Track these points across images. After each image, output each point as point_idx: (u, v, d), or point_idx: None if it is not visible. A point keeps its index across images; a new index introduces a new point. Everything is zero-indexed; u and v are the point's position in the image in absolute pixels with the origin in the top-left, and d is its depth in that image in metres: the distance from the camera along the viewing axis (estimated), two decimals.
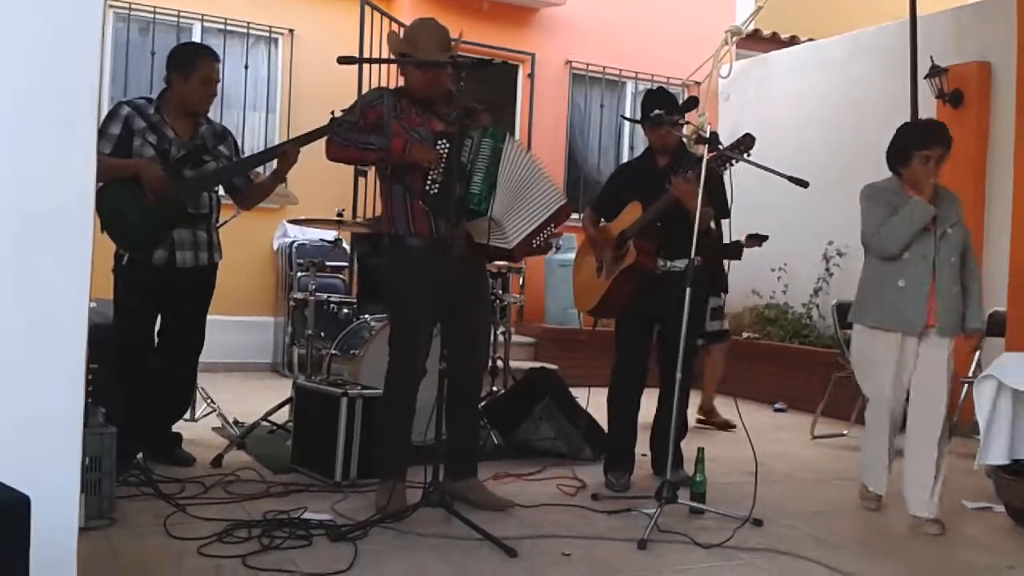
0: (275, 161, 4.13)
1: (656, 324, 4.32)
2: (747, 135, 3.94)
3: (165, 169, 3.93)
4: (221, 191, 4.31)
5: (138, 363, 4.04)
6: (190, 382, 4.46)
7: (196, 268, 4.14)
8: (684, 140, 4.28)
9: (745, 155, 3.89)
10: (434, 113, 3.66)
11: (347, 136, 3.61)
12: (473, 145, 3.50)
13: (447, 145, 3.50)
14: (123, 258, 3.99)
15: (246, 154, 4.71)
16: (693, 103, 4.59)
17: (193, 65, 4.07)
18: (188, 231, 4.09)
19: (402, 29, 3.85)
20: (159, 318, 4.23)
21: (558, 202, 3.63)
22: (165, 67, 4.17)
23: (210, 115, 4.28)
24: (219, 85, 4.25)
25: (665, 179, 4.16)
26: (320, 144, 3.74)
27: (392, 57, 3.77)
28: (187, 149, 4.06)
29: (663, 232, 4.16)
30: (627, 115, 8.97)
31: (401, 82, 3.80)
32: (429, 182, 3.51)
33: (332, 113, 3.74)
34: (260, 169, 4.44)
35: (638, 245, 4.17)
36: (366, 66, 7.36)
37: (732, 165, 3.92)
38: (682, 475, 4.17)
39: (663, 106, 4.29)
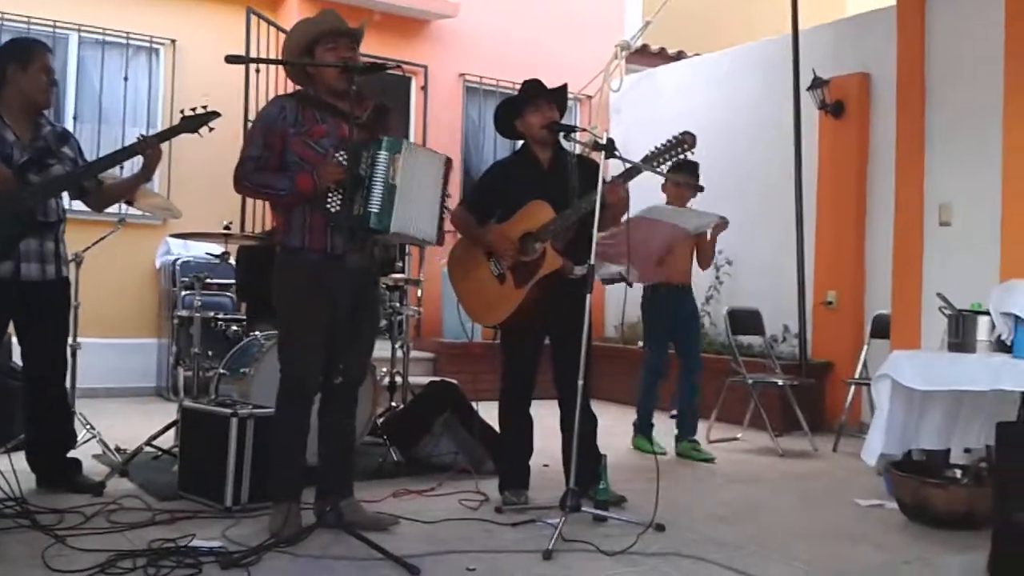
0: (137, 162, 3.95)
1: (545, 334, 4.13)
2: (687, 133, 3.87)
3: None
4: (66, 198, 4.08)
5: None
6: (63, 406, 4.19)
7: (44, 283, 3.91)
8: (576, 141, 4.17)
9: (689, 153, 3.85)
10: (343, 117, 3.45)
11: (256, 181, 3.46)
12: (369, 157, 3.35)
13: (344, 156, 3.37)
14: None
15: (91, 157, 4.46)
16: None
17: (30, 55, 3.87)
18: (36, 242, 3.86)
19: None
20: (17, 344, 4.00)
21: (442, 164, 3.52)
22: None
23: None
24: (56, 79, 4.03)
25: (559, 177, 4.03)
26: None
27: (284, 58, 3.60)
28: (30, 153, 3.84)
29: (573, 235, 4.00)
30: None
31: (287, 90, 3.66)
32: (329, 198, 3.38)
33: (182, 111, 3.82)
34: (115, 171, 4.22)
35: (555, 249, 3.99)
36: (252, 75, 7.16)
37: (668, 164, 3.88)
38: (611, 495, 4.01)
39: (543, 91, 4.11)
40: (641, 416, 5.73)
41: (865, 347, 6.29)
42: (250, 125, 3.49)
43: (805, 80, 7.02)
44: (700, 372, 5.76)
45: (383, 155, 3.35)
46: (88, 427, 4.75)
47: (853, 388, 6.25)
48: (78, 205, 4.24)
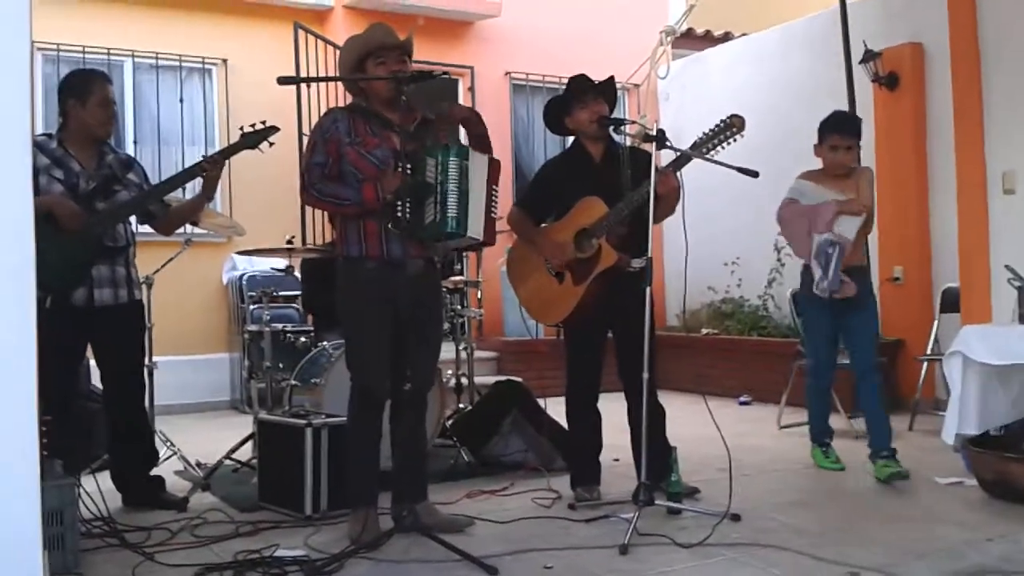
0: (198, 183, 4.04)
1: (608, 328, 4.15)
2: (735, 115, 3.82)
3: (77, 203, 3.84)
4: (134, 222, 4.20)
5: (63, 412, 3.91)
6: (144, 426, 4.32)
7: (117, 307, 4.04)
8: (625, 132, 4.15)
9: (739, 136, 3.80)
10: (392, 129, 3.56)
11: (323, 190, 3.54)
12: (440, 165, 3.40)
13: (409, 167, 3.41)
14: (44, 301, 3.85)
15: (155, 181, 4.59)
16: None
17: (88, 88, 3.98)
18: (107, 267, 3.99)
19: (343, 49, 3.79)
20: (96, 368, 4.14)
21: (487, 164, 3.53)
22: (58, 99, 4.06)
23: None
24: (116, 108, 4.15)
25: (612, 170, 4.03)
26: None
27: (340, 74, 3.69)
28: (97, 180, 3.96)
29: (628, 229, 3.98)
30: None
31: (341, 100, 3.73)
32: (398, 207, 3.42)
33: (241, 128, 3.86)
34: (177, 193, 4.33)
35: (611, 243, 3.98)
36: (304, 89, 7.28)
37: (723, 149, 3.83)
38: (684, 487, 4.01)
39: (589, 86, 4.12)
40: (811, 426, 4.92)
41: (935, 322, 6.16)
42: (306, 138, 3.56)
43: (856, 53, 6.90)
44: (877, 372, 4.66)
45: (454, 161, 3.40)
46: (168, 444, 4.89)
47: (926, 365, 6.13)
48: (145, 229, 4.37)
